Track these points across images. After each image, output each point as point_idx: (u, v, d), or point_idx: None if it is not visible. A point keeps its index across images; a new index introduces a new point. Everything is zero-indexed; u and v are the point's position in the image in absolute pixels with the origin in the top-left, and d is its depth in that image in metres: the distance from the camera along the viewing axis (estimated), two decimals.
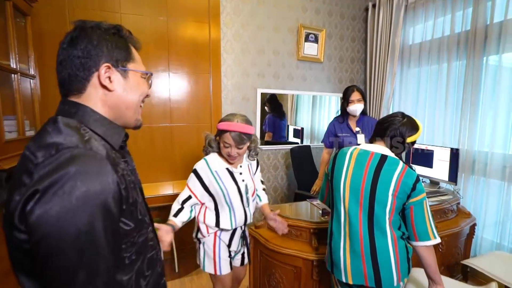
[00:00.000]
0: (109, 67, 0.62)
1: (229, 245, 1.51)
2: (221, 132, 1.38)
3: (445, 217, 2.00)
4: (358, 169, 1.21)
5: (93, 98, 0.63)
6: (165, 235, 1.27)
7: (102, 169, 0.53)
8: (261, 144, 3.03)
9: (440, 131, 2.65)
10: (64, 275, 0.48)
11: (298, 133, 3.38)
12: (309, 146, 3.23)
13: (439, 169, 2.24)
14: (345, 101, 2.22)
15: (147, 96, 0.73)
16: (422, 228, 1.15)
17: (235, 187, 1.46)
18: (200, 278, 2.41)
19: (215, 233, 1.48)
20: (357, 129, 2.26)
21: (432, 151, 2.30)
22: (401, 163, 1.17)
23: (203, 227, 1.48)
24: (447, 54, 2.56)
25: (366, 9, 3.34)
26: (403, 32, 2.99)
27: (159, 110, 2.58)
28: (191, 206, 1.47)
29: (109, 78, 0.63)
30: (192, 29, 2.63)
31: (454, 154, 2.13)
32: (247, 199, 1.50)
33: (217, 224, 1.45)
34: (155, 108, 2.56)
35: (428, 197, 2.10)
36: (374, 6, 3.20)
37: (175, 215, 1.42)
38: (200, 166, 1.45)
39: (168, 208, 1.49)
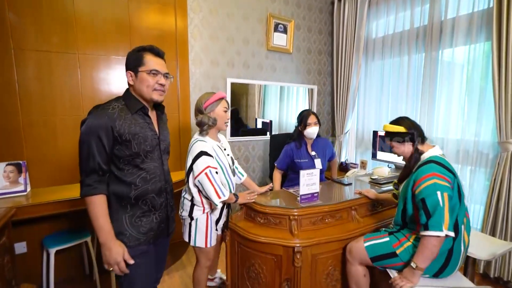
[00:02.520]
0: (130, 73, 1.19)
1: (217, 221, 1.71)
2: (218, 102, 1.63)
3: None
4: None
5: (131, 88, 1.22)
6: (245, 198, 1.69)
7: (101, 117, 1.10)
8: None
9: None
10: (80, 154, 1.10)
11: (267, 126, 3.36)
12: (287, 133, 3.19)
13: None
14: (302, 124, 2.24)
15: (158, 83, 1.19)
16: None
17: (226, 160, 1.68)
18: (172, 277, 2.27)
19: (207, 213, 1.65)
20: (313, 153, 2.30)
21: None
22: None
23: (203, 204, 1.62)
24: (408, 47, 2.72)
25: (332, 3, 3.43)
26: (367, 26, 3.11)
27: None
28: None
29: (131, 78, 1.19)
30: (156, 13, 2.44)
31: None
32: (233, 170, 1.76)
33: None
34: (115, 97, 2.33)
35: (393, 181, 2.22)
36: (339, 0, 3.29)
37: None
38: (203, 146, 1.55)
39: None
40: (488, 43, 2.18)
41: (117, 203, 1.18)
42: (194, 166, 1.51)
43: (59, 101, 2.12)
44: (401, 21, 2.78)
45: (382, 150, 2.58)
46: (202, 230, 1.64)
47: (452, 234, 1.25)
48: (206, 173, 1.50)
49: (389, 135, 1.55)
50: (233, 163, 1.78)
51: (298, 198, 1.73)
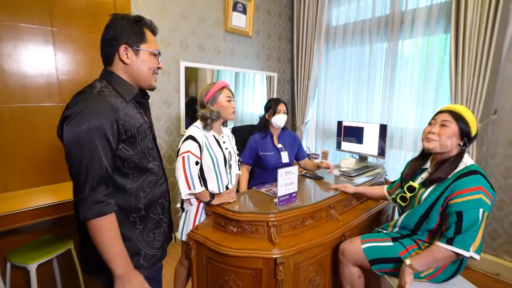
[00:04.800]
0: (126, 48, 0.93)
1: None
2: (219, 92, 1.54)
3: None
4: None
5: (118, 67, 0.95)
6: (223, 198, 1.52)
7: (102, 109, 0.83)
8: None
9: (364, 109, 2.83)
10: (75, 163, 0.81)
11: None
12: (253, 125, 2.93)
13: (369, 145, 2.36)
14: (270, 111, 2.05)
15: (159, 68, 1.02)
16: None
17: (221, 153, 1.55)
18: None
19: (199, 204, 1.52)
20: (280, 145, 2.12)
21: (362, 127, 2.40)
22: None
23: (190, 196, 1.49)
24: (369, 36, 2.70)
25: None
26: (328, 13, 3.01)
27: (39, 85, 1.80)
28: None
29: (127, 55, 0.94)
30: None
31: (383, 130, 2.26)
32: (230, 165, 1.63)
33: (206, 188, 1.53)
34: (30, 82, 1.77)
35: (363, 172, 2.18)
36: None
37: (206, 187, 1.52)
38: (194, 131, 1.48)
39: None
40: (445, 36, 2.25)
41: (123, 218, 0.92)
42: (180, 150, 1.44)
43: None
44: (363, 9, 2.74)
45: (347, 140, 2.54)
46: (190, 223, 1.53)
47: (477, 257, 1.12)
48: (183, 157, 1.40)
49: (456, 116, 1.26)
50: (231, 158, 1.63)
51: (275, 200, 1.52)
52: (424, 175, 1.40)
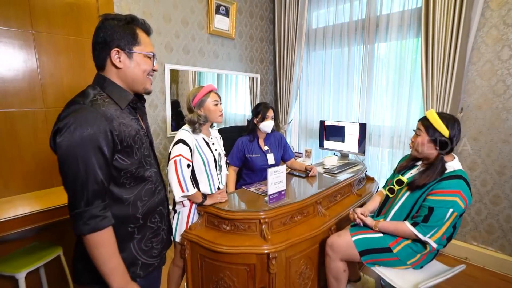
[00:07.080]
0: (118, 51, 0.89)
1: None
2: (206, 96, 1.56)
3: (360, 184, 2.25)
4: None
5: (110, 72, 0.91)
6: (215, 198, 1.57)
7: (95, 120, 0.80)
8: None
9: (344, 109, 2.97)
10: (70, 177, 0.79)
11: None
12: (237, 126, 2.99)
13: (350, 143, 2.50)
14: (259, 116, 2.11)
15: (154, 70, 0.97)
16: None
17: (212, 155, 1.59)
18: None
19: (191, 205, 1.57)
20: (266, 148, 2.20)
21: (344, 126, 2.53)
22: None
23: (184, 198, 1.52)
24: (348, 39, 2.84)
25: None
26: (308, 16, 3.12)
27: (21, 89, 1.75)
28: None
29: (119, 58, 0.89)
30: None
31: (362, 128, 2.40)
32: (220, 166, 1.67)
33: (198, 190, 1.56)
34: (10, 86, 1.72)
35: (345, 169, 2.30)
36: None
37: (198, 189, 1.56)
38: (184, 135, 1.51)
39: None
40: (417, 40, 2.42)
41: (121, 229, 0.90)
42: (171, 154, 1.47)
43: None
44: (341, 13, 2.87)
45: (329, 139, 2.67)
46: (183, 224, 1.57)
47: (434, 244, 1.32)
48: (175, 161, 1.43)
49: (426, 124, 1.38)
50: (220, 159, 1.67)
51: (266, 198, 1.60)
52: (414, 171, 1.52)
